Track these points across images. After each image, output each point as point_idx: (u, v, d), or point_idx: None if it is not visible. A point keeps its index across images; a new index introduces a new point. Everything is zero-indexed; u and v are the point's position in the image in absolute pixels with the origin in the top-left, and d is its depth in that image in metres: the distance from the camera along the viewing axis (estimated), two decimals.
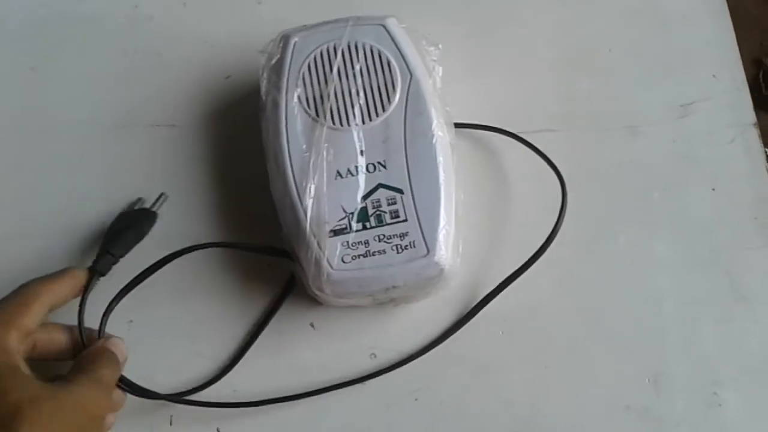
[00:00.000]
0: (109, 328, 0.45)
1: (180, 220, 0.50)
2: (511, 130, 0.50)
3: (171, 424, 0.46)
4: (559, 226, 0.46)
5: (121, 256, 0.47)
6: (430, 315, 0.47)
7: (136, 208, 0.50)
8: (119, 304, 0.47)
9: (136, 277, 0.46)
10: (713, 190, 0.49)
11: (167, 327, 0.48)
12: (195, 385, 0.46)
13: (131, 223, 0.49)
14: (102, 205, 0.50)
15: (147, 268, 0.46)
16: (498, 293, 0.47)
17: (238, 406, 0.45)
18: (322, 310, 0.47)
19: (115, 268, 0.46)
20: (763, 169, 0.50)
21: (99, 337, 0.44)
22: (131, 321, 0.48)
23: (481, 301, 0.47)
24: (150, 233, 0.49)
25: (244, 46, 0.54)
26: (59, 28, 0.56)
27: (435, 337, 0.47)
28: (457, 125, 0.49)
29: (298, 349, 0.47)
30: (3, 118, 0.53)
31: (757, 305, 0.47)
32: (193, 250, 0.46)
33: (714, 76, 0.52)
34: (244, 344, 0.47)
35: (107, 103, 0.54)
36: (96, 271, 0.46)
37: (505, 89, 0.52)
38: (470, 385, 0.46)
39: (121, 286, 0.46)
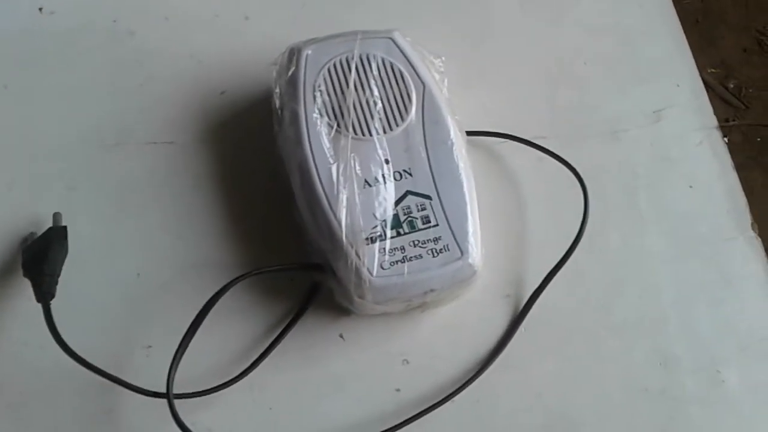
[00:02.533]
0: (125, 355, 0.44)
1: (193, 245, 0.49)
2: (516, 135, 0.53)
3: None
4: (585, 225, 0.50)
5: (58, 275, 0.46)
6: (456, 318, 0.49)
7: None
8: (140, 331, 0.45)
9: (188, 332, 0.44)
10: (690, 187, 0.54)
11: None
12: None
13: (48, 243, 0.46)
14: None
15: (194, 320, 0.44)
16: (540, 293, 0.49)
17: None
18: (350, 320, 0.48)
19: (156, 324, 0.46)
20: (730, 166, 0.55)
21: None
22: (150, 346, 0.46)
23: (527, 303, 0.49)
24: (158, 257, 0.48)
25: (236, 61, 0.54)
26: (29, 42, 0.54)
27: (488, 346, 0.48)
28: (466, 133, 0.51)
29: (330, 360, 0.47)
30: None
31: (742, 288, 0.51)
32: (232, 286, 0.45)
33: (677, 85, 0.57)
34: (264, 350, 0.46)
35: (96, 120, 0.52)
36: (45, 296, 0.44)
37: (497, 100, 0.55)
38: (502, 382, 0.48)
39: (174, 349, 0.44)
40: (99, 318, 0.47)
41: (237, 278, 0.45)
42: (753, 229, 0.53)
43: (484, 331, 0.49)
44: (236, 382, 0.45)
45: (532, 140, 0.53)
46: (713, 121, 0.57)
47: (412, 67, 0.50)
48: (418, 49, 0.51)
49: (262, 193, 0.50)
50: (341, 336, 0.48)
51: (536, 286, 0.50)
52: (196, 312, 0.45)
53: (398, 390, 0.47)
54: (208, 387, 0.45)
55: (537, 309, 0.49)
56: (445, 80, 0.51)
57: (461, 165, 0.48)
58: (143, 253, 0.49)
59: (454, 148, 0.48)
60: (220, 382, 0.45)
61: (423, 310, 0.48)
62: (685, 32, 0.60)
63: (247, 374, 0.46)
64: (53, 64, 0.53)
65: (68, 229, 0.47)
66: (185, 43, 0.54)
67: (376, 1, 0.58)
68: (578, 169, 0.52)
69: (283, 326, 0.47)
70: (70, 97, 0.52)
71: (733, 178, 0.55)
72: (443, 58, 0.52)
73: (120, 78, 0.53)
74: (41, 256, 0.45)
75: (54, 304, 0.45)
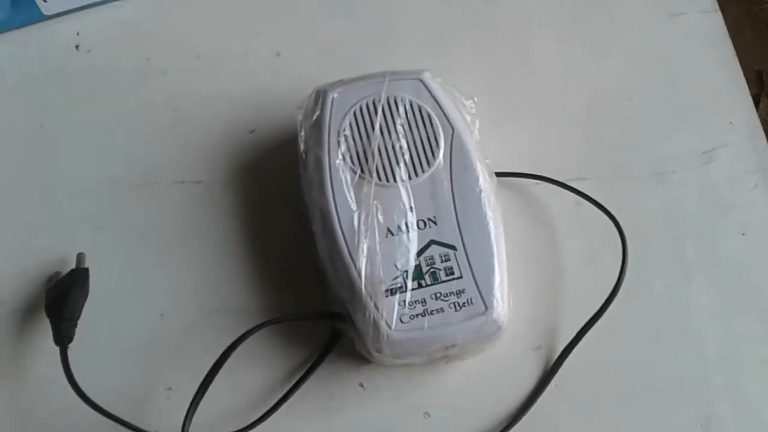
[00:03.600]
0: (146, 397, 0.44)
1: (217, 288, 0.48)
2: (549, 176, 0.51)
3: None
4: (624, 274, 0.47)
5: (78, 318, 0.46)
6: (482, 370, 0.47)
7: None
8: (161, 374, 0.45)
9: (205, 379, 0.43)
10: (743, 235, 0.51)
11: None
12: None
13: (69, 286, 0.46)
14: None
15: (212, 368, 0.43)
16: (574, 346, 0.47)
17: None
18: (371, 369, 0.46)
19: (177, 367, 0.46)
20: None
21: None
22: (170, 389, 0.46)
23: (559, 356, 0.47)
24: (182, 299, 0.48)
25: (266, 99, 0.54)
26: (64, 81, 0.54)
27: (516, 401, 0.46)
28: (498, 174, 0.49)
29: (349, 410, 0.46)
30: (14, 176, 0.51)
31: None
32: (251, 335, 0.44)
33: (731, 122, 0.54)
34: (282, 397, 0.45)
35: (125, 159, 0.52)
36: (63, 340, 0.44)
37: (534, 140, 0.53)
38: None
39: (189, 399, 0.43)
40: (120, 359, 0.47)
41: (255, 327, 0.45)
42: None
43: (512, 386, 0.47)
44: (253, 428, 0.44)
45: (569, 182, 0.51)
46: None
47: (441, 109, 0.48)
48: (448, 89, 0.49)
49: (288, 237, 0.49)
50: (361, 385, 0.46)
51: (570, 338, 0.47)
52: (217, 355, 0.44)
53: None
54: None
55: (570, 363, 0.47)
56: (477, 122, 0.49)
57: (489, 214, 0.46)
58: (167, 294, 0.48)
59: (482, 195, 0.46)
60: (237, 429, 0.44)
61: (447, 362, 0.46)
62: (754, 41, 0.56)
63: (263, 420, 0.45)
64: (87, 102, 0.53)
65: (92, 269, 0.48)
66: (215, 81, 0.54)
67: (408, 38, 0.56)
68: (619, 213, 0.49)
69: (302, 373, 0.46)
70: (101, 135, 0.52)
71: None
72: (475, 99, 0.50)
73: (150, 117, 0.53)
74: (61, 300, 0.45)
75: (76, 344, 0.45)
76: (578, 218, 0.50)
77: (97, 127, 0.53)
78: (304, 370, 0.46)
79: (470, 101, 0.50)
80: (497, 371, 0.47)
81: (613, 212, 0.49)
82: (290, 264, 0.49)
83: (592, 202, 0.49)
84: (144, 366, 0.47)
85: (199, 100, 0.53)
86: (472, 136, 0.48)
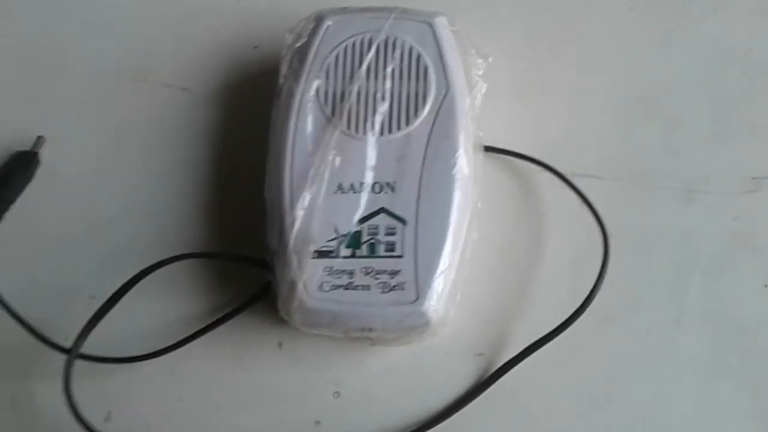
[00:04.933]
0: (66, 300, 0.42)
1: (165, 203, 0.45)
2: (552, 166, 0.44)
3: None
4: (596, 293, 0.41)
5: (12, 201, 0.44)
6: (410, 363, 0.42)
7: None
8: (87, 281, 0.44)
9: (108, 301, 0.41)
10: (765, 286, 0.42)
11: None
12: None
13: (10, 167, 0.45)
14: None
15: (119, 288, 0.41)
16: (519, 361, 0.41)
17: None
18: (295, 331, 0.42)
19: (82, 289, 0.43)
20: None
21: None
22: (93, 297, 0.44)
23: (499, 369, 0.41)
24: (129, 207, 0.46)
25: (282, 15, 0.49)
26: None
27: (437, 405, 0.41)
28: (491, 149, 0.43)
29: (258, 366, 0.43)
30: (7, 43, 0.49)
31: None
32: (164, 265, 0.42)
33: None
34: (191, 335, 0.42)
35: (124, 50, 0.49)
36: None
37: (553, 120, 0.46)
38: None
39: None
40: (49, 254, 0.45)
41: (171, 258, 0.42)
42: None
43: (438, 387, 0.42)
44: (151, 358, 0.42)
45: (578, 177, 0.44)
46: None
47: (442, 63, 0.42)
48: (464, 42, 0.43)
49: (252, 169, 0.45)
50: (280, 344, 0.43)
51: (517, 351, 0.41)
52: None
53: (318, 423, 0.41)
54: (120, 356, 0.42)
55: (509, 379, 0.41)
56: (484, 86, 0.43)
57: (457, 193, 0.40)
58: (117, 198, 0.46)
59: (455, 170, 0.40)
60: (136, 354, 0.42)
61: (372, 344, 0.42)
62: None
63: (166, 353, 0.42)
64: None
65: (57, 156, 0.46)
66: None
67: None
68: (625, 227, 0.43)
69: (222, 315, 0.43)
70: (109, 17, 0.50)
71: None
72: (490, 59, 0.43)
73: (157, 11, 0.50)
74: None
75: (5, 227, 0.44)
76: (574, 221, 0.43)
77: (99, 14, 0.50)
78: (226, 312, 0.43)
79: (482, 60, 0.43)
80: (426, 368, 0.42)
81: (619, 224, 0.42)
82: (245, 198, 0.45)
83: (586, 204, 0.43)
84: (72, 267, 0.45)
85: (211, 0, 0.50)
86: (468, 101, 0.42)
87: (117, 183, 0.46)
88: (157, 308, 0.43)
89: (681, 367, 0.42)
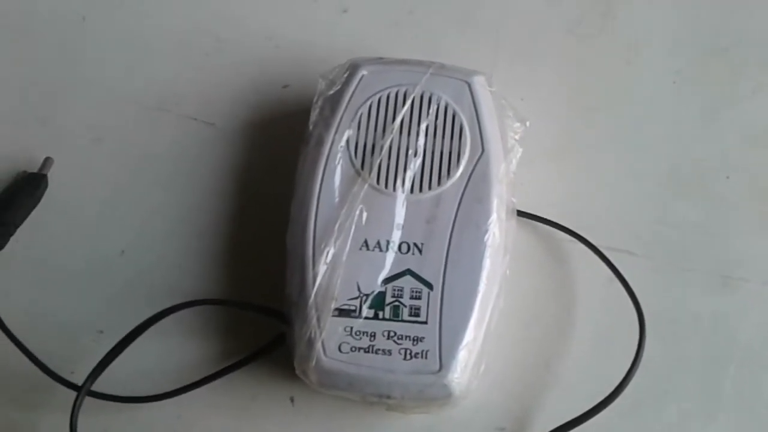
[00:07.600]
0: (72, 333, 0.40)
1: (183, 242, 0.44)
2: (585, 237, 0.42)
3: None
4: (630, 379, 0.38)
5: (17, 225, 0.43)
6: (426, 431, 0.40)
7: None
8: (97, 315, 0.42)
9: (120, 342, 0.39)
10: None
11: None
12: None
13: (15, 189, 0.43)
14: None
15: (132, 331, 0.39)
16: None
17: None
18: (309, 387, 0.40)
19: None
20: None
21: None
22: (101, 332, 0.42)
23: None
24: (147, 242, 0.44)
25: (314, 56, 0.47)
26: None
27: None
28: (522, 213, 0.42)
29: (266, 420, 0.41)
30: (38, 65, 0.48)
31: None
32: (178, 310, 0.40)
33: None
34: (200, 380, 0.40)
35: (150, 77, 0.47)
36: None
37: (589, 190, 0.44)
38: None
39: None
40: (58, 284, 0.43)
41: (184, 304, 0.40)
42: None
43: None
44: (158, 400, 0.40)
45: (610, 250, 0.42)
46: None
47: (478, 124, 0.40)
48: (500, 103, 0.42)
49: (274, 214, 0.43)
50: (291, 400, 0.41)
51: (540, 429, 0.39)
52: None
53: None
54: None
55: None
56: (519, 151, 0.41)
57: (487, 261, 0.38)
58: (133, 230, 0.44)
59: (487, 237, 0.38)
60: (145, 395, 0.40)
61: (388, 408, 0.39)
62: None
63: (172, 396, 0.40)
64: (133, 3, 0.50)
65: (73, 180, 0.45)
66: (268, 19, 0.48)
67: (497, 32, 0.48)
68: (658, 309, 0.41)
69: (232, 362, 0.41)
70: (135, 44, 0.48)
71: None
72: (528, 123, 0.42)
73: (191, 38, 0.48)
74: (2, 201, 0.43)
75: (10, 252, 0.42)
76: (606, 297, 0.42)
77: (135, 34, 0.49)
78: (238, 359, 0.41)
79: (520, 124, 0.42)
80: None
81: (651, 305, 0.40)
82: (264, 241, 0.43)
83: (622, 283, 0.41)
84: (79, 298, 0.43)
85: (245, 35, 0.48)
86: (504, 165, 0.40)
87: (131, 213, 0.45)
88: (168, 349, 0.42)
89: None
